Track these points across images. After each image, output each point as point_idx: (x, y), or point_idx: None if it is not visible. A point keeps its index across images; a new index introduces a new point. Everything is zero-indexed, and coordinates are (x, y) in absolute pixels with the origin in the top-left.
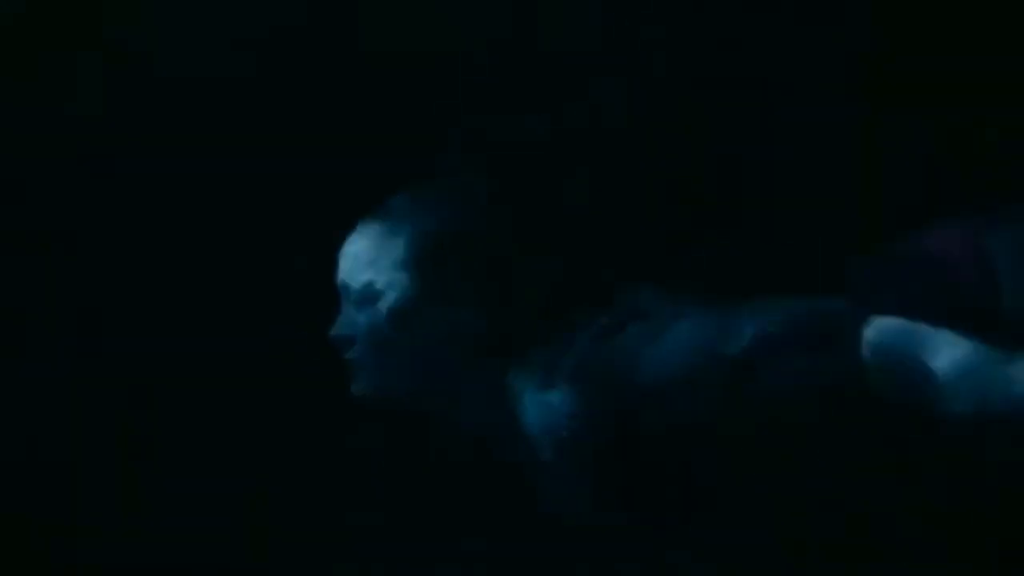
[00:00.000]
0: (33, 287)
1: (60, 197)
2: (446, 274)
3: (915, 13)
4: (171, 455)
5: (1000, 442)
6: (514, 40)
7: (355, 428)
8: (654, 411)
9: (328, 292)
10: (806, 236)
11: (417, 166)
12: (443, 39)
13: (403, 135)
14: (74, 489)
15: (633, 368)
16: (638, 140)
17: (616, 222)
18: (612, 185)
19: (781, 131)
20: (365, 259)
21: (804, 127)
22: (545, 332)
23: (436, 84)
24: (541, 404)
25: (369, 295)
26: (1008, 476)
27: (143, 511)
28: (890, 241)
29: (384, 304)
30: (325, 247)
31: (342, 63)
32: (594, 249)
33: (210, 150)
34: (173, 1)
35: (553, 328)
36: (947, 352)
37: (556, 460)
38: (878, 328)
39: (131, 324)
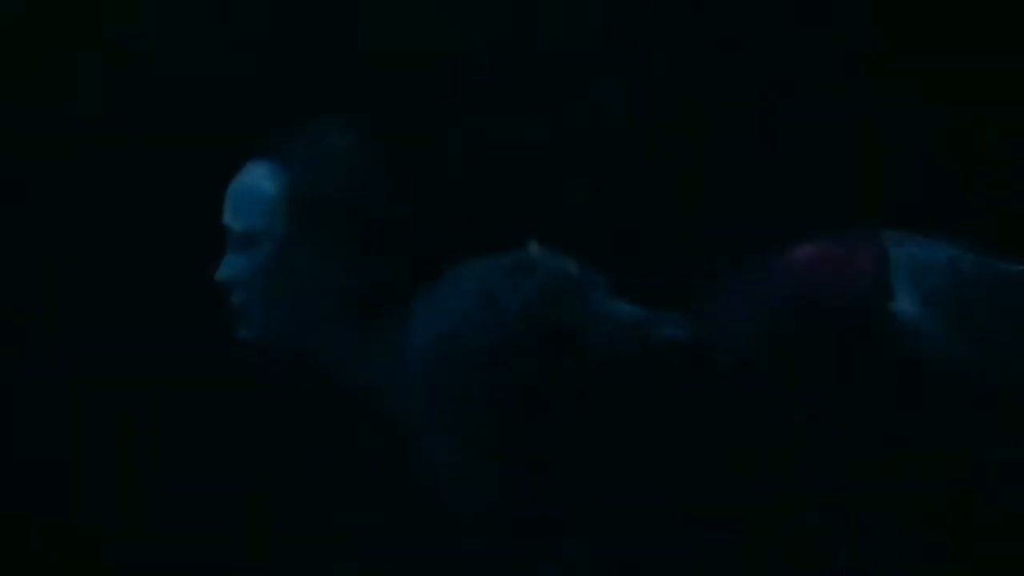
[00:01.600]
0: (33, 287)
1: (60, 197)
2: (322, 222)
3: (915, 13)
4: (171, 455)
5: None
6: (514, 40)
7: (355, 428)
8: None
9: None
10: (805, 235)
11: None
12: (443, 39)
13: (403, 135)
14: (74, 489)
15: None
16: (638, 140)
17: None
18: (612, 185)
19: (781, 131)
20: (246, 202)
21: (804, 127)
22: (419, 285)
23: (436, 84)
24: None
25: (249, 238)
26: (1008, 476)
27: (143, 511)
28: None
29: (263, 248)
30: None
31: (342, 63)
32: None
33: (210, 150)
34: (173, 1)
35: (426, 281)
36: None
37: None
38: None
39: (131, 324)
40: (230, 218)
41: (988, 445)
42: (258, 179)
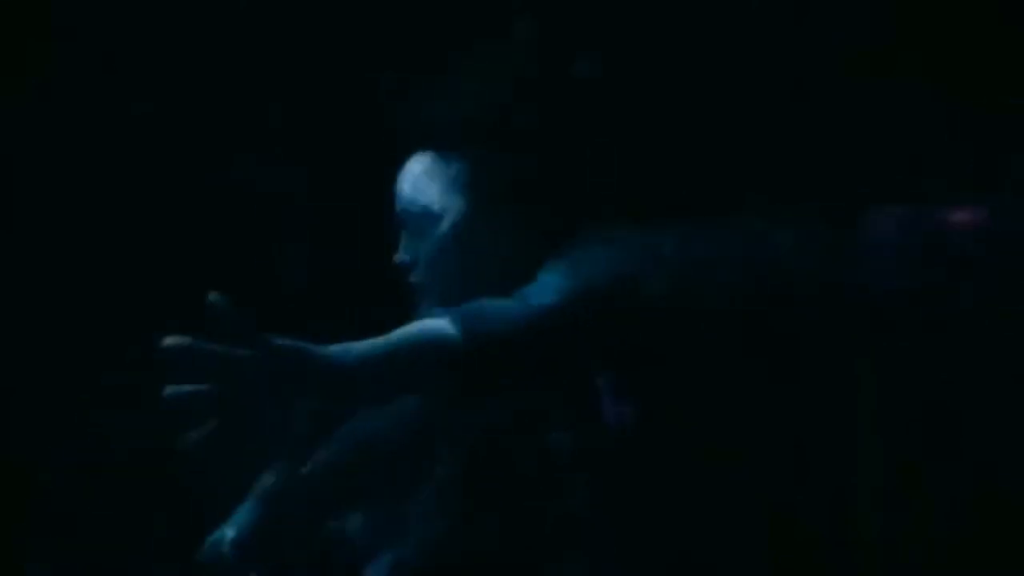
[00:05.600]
0: (33, 287)
1: (60, 198)
2: (494, 196)
3: (915, 13)
4: (168, 455)
5: None
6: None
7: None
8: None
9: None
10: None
11: None
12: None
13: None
14: (73, 488)
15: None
16: (637, 140)
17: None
18: (612, 186)
19: (780, 130)
20: (421, 185)
21: (803, 126)
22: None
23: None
24: None
25: (426, 219)
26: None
27: (142, 510)
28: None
29: (441, 227)
30: (328, 256)
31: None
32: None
33: (211, 150)
34: (173, 1)
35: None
36: None
37: None
38: None
39: (131, 324)
40: (407, 203)
41: None
42: (430, 162)
